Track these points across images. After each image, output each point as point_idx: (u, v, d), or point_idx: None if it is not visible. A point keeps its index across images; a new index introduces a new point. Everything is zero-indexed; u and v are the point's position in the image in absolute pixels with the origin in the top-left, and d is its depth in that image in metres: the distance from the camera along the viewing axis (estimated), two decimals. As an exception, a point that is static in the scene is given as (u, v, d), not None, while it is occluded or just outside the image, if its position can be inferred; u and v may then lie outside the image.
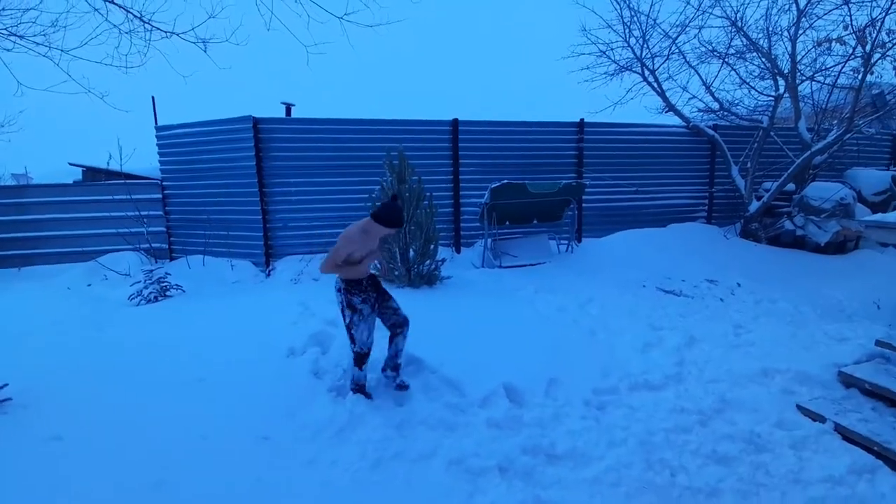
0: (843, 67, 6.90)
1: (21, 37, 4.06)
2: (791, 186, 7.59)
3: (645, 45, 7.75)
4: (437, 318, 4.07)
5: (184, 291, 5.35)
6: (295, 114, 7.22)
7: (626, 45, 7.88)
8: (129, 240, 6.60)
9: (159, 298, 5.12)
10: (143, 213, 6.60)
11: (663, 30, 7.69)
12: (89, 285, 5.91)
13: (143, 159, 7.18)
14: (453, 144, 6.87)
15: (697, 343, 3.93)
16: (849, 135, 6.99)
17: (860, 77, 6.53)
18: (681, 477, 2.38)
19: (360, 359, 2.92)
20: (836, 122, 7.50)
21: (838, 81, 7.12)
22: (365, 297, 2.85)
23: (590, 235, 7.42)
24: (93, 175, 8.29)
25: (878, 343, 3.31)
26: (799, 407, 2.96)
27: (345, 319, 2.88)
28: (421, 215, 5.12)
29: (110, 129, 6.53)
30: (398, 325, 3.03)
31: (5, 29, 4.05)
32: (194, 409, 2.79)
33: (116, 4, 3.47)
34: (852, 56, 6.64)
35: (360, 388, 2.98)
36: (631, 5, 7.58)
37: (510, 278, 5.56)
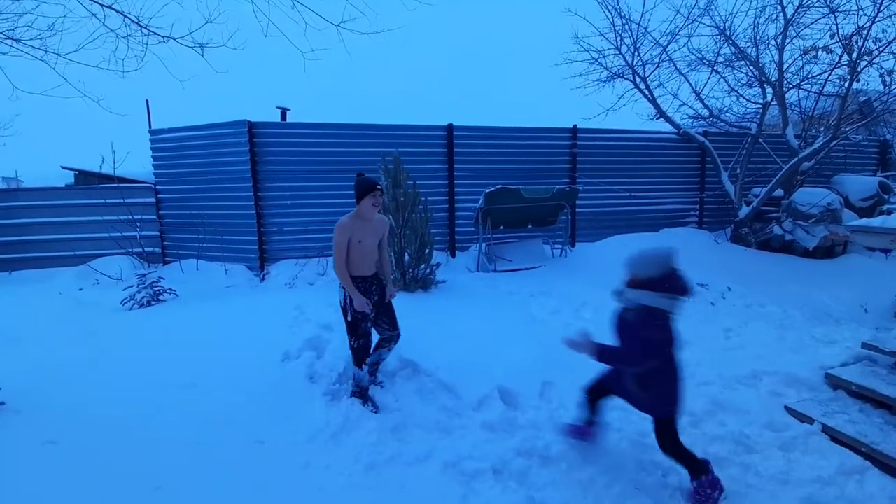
0: (829, 75, 7.06)
1: (17, 40, 4.05)
2: (779, 192, 7.72)
3: (636, 53, 7.88)
4: (433, 322, 4.09)
5: (177, 296, 5.32)
6: (290, 118, 7.25)
7: (617, 52, 8.01)
8: (121, 244, 6.56)
9: (152, 303, 5.09)
10: (136, 216, 6.56)
11: (654, 38, 7.83)
12: (81, 290, 5.87)
13: (137, 163, 7.15)
14: (448, 149, 6.92)
15: (689, 346, 3.95)
16: (835, 141, 7.15)
17: (846, 85, 6.68)
18: (672, 478, 2.42)
19: (360, 358, 2.90)
20: (822, 129, 7.66)
21: (825, 89, 7.28)
22: (365, 296, 2.87)
23: (583, 240, 7.50)
24: (85, 179, 8.24)
25: (864, 345, 3.37)
26: (787, 409, 3.01)
27: (346, 317, 2.90)
28: (416, 219, 5.15)
29: (104, 133, 6.51)
30: (388, 340, 3.10)
31: (1, 33, 4.04)
32: (189, 413, 2.78)
33: (114, 10, 3.49)
34: (839, 64, 6.80)
35: (362, 392, 2.96)
36: (622, 14, 7.72)
37: (505, 282, 5.59)
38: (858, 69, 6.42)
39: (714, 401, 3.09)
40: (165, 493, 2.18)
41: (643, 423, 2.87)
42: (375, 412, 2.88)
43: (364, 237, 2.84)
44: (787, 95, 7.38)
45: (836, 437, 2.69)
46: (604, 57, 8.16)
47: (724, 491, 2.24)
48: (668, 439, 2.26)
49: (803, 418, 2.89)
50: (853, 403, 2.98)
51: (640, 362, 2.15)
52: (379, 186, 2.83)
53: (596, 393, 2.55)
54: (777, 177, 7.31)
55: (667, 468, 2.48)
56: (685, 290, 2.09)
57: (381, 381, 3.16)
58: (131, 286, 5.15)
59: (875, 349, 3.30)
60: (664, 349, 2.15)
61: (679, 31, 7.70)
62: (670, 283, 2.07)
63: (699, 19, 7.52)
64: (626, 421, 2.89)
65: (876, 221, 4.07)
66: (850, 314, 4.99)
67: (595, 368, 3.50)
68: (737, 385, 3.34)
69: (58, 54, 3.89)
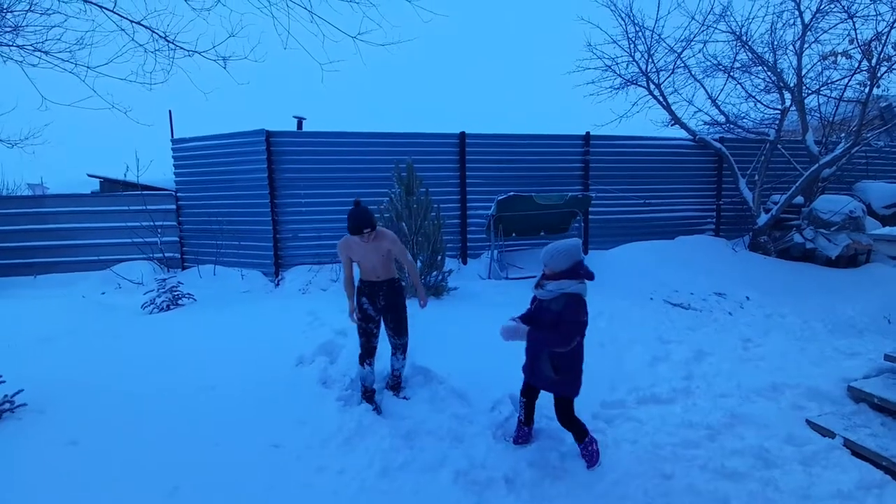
0: (849, 81, 6.93)
1: (46, 52, 4.22)
2: (800, 199, 7.57)
3: (650, 60, 7.84)
4: (444, 329, 4.10)
5: (195, 300, 5.44)
6: (307, 127, 7.39)
7: (631, 59, 7.98)
8: (142, 249, 6.74)
9: (171, 307, 5.21)
10: (157, 223, 6.74)
11: (668, 45, 7.79)
12: (103, 293, 6.04)
13: (159, 171, 7.37)
14: (460, 157, 6.97)
15: (706, 357, 3.91)
16: (857, 147, 6.99)
17: (867, 90, 6.56)
18: (689, 492, 2.37)
19: (361, 356, 3.04)
20: (843, 134, 7.50)
21: (845, 94, 7.14)
22: (368, 299, 3.00)
23: (596, 247, 7.44)
24: (110, 186, 8.51)
25: (887, 357, 3.28)
26: (808, 422, 2.94)
27: None
28: (428, 227, 5.19)
29: (129, 142, 6.74)
30: (394, 347, 3.16)
31: (31, 45, 4.22)
32: (206, 416, 2.84)
33: (143, 26, 3.63)
34: (858, 70, 6.68)
35: (363, 390, 3.04)
36: (636, 21, 7.70)
37: (516, 290, 5.58)
38: (878, 74, 6.32)
39: (732, 413, 3.04)
40: (184, 494, 2.23)
41: (657, 434, 2.84)
42: (378, 414, 2.94)
43: (361, 258, 2.97)
44: (806, 101, 7.26)
45: (858, 452, 2.62)
46: (617, 64, 8.15)
47: (597, 442, 2.59)
48: (570, 414, 2.54)
49: (825, 432, 2.82)
50: (875, 417, 2.90)
51: (570, 342, 2.38)
52: (366, 230, 2.77)
53: (529, 393, 2.71)
54: (797, 183, 7.17)
55: (683, 482, 2.44)
56: (592, 276, 2.40)
57: (405, 397, 3.19)
58: (152, 290, 5.28)
59: (900, 362, 3.20)
60: (584, 329, 2.42)
61: (694, 37, 7.65)
62: (583, 270, 2.38)
63: (714, 25, 7.47)
64: (640, 433, 2.86)
65: (900, 230, 3.97)
66: (873, 325, 4.85)
67: (609, 380, 3.48)
68: (756, 397, 3.27)
69: (88, 67, 4.04)
